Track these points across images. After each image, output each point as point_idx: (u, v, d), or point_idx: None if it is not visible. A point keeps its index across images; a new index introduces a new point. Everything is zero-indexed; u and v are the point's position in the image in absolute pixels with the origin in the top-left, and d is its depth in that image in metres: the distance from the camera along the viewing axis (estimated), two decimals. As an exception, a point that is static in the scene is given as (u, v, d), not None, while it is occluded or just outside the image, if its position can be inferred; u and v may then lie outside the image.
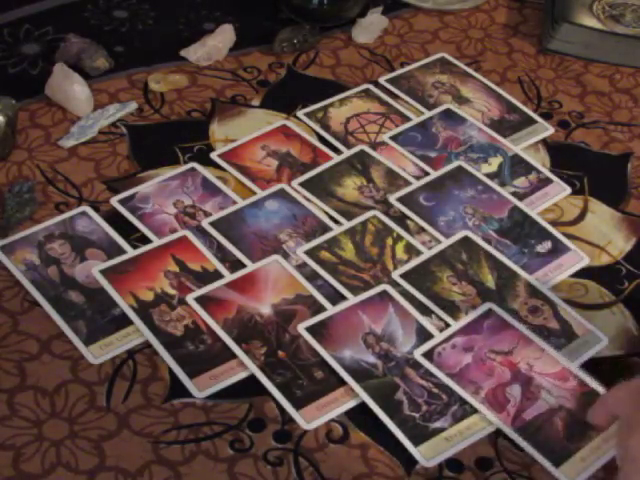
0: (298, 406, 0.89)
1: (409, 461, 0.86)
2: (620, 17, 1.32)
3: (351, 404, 0.90)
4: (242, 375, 0.91)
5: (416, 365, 0.92)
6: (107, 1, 1.33)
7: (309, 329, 0.93)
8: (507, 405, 0.89)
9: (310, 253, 1.02)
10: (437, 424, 0.88)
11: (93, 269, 0.98)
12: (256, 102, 1.20)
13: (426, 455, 0.86)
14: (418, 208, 1.08)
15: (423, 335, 0.95)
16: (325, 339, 0.93)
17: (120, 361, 0.92)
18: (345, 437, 0.88)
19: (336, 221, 1.06)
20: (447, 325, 0.97)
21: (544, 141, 1.19)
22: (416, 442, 0.87)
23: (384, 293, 0.98)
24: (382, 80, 1.24)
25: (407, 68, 1.27)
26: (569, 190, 1.12)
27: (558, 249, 1.05)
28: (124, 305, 0.95)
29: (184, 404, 0.89)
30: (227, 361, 0.92)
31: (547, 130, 1.20)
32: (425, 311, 0.98)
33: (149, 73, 1.22)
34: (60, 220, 1.03)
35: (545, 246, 1.05)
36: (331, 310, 0.95)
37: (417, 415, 0.88)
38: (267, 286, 0.98)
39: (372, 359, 0.92)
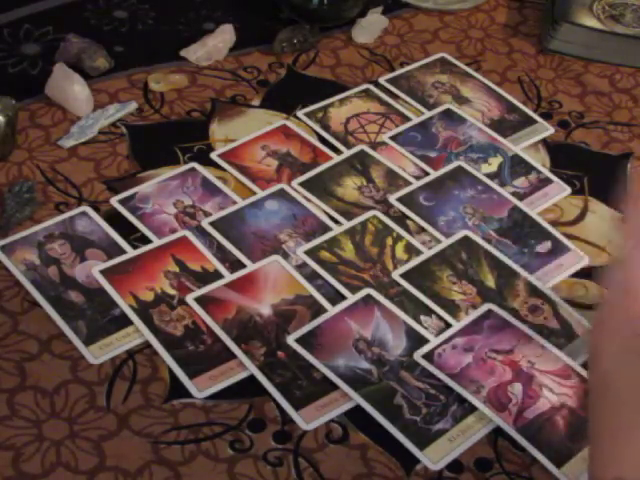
0: (298, 406, 0.89)
1: (409, 461, 0.86)
2: (620, 17, 1.31)
3: (350, 405, 0.89)
4: (242, 375, 0.91)
5: (410, 368, 0.92)
6: (107, 1, 1.33)
7: (299, 340, 0.93)
8: (509, 404, 0.89)
9: (310, 253, 1.02)
10: (439, 425, 0.88)
11: (93, 269, 0.98)
12: (256, 102, 1.20)
13: (433, 458, 0.86)
14: (418, 208, 1.08)
15: (413, 336, 0.95)
16: (316, 349, 0.93)
17: (120, 361, 0.92)
18: (345, 437, 0.88)
19: (336, 221, 1.06)
20: (447, 324, 0.97)
21: (544, 141, 1.19)
22: (421, 446, 0.87)
23: (368, 297, 0.98)
24: (382, 80, 1.24)
25: (407, 68, 1.27)
26: (569, 190, 1.12)
27: (558, 249, 1.05)
28: (124, 305, 0.95)
29: (184, 404, 0.89)
30: (227, 361, 0.92)
31: (547, 130, 1.20)
32: (425, 310, 0.98)
33: (149, 73, 1.22)
34: (60, 220, 1.03)
35: (545, 246, 1.05)
36: (318, 319, 0.95)
37: (418, 418, 0.88)
38: (267, 286, 0.98)
39: (366, 365, 0.92)
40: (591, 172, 1.15)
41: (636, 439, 0.59)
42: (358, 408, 0.89)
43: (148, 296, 0.96)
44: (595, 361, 0.63)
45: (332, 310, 0.96)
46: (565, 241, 1.06)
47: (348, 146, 1.15)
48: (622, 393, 0.60)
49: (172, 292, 0.97)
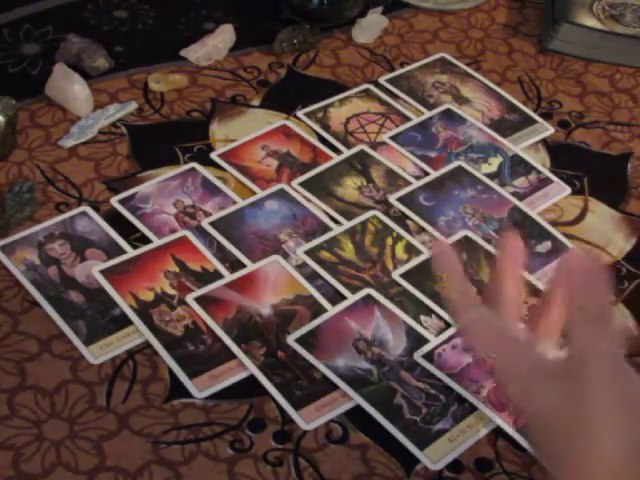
0: (298, 406, 0.89)
1: (409, 461, 0.86)
2: (620, 17, 1.32)
3: (350, 405, 0.89)
4: (242, 375, 0.91)
5: (410, 368, 0.92)
6: (107, 1, 1.33)
7: (299, 340, 0.93)
8: (509, 404, 0.89)
9: (310, 253, 1.02)
10: (439, 425, 0.88)
11: (93, 269, 0.98)
12: (256, 102, 1.20)
13: (433, 458, 0.86)
14: (418, 208, 1.08)
15: (413, 336, 0.95)
16: (316, 349, 0.93)
17: (120, 361, 0.92)
18: (345, 438, 0.88)
19: (336, 221, 1.06)
20: (447, 324, 0.97)
21: (544, 141, 1.19)
22: (421, 446, 0.87)
23: (368, 297, 0.98)
24: (382, 80, 1.24)
25: (407, 68, 1.27)
26: (569, 190, 1.13)
27: (558, 249, 1.05)
28: (124, 305, 0.95)
29: (184, 404, 0.89)
30: (227, 361, 0.92)
31: (547, 130, 1.20)
32: (425, 310, 0.98)
33: (149, 73, 1.22)
34: (60, 220, 1.03)
35: (545, 246, 1.05)
36: (318, 319, 0.95)
37: (418, 418, 0.88)
38: (267, 286, 0.98)
39: (366, 365, 0.92)
40: (591, 172, 1.15)
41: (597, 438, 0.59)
42: (358, 408, 0.89)
43: (148, 296, 0.96)
44: (523, 407, 0.64)
45: (332, 310, 0.96)
46: (565, 241, 1.06)
47: (348, 146, 1.15)
48: (557, 412, 0.60)
49: (172, 292, 0.97)
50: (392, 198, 1.08)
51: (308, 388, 0.90)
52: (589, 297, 0.61)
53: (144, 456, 0.85)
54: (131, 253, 1.00)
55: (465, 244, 1.04)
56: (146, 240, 1.02)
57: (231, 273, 0.99)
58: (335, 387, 0.90)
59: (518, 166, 1.14)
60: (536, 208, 1.10)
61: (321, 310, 0.96)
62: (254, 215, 1.05)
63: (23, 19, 1.28)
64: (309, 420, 0.88)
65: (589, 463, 0.58)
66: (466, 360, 0.93)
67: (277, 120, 1.17)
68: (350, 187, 1.10)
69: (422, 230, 1.06)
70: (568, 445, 0.59)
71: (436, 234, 1.05)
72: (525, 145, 1.17)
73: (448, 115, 1.20)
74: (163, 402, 0.89)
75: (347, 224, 1.05)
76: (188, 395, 0.89)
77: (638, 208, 1.12)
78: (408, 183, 1.11)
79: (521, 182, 1.12)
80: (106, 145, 1.13)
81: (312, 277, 1.00)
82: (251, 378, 0.91)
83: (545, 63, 1.31)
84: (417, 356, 0.93)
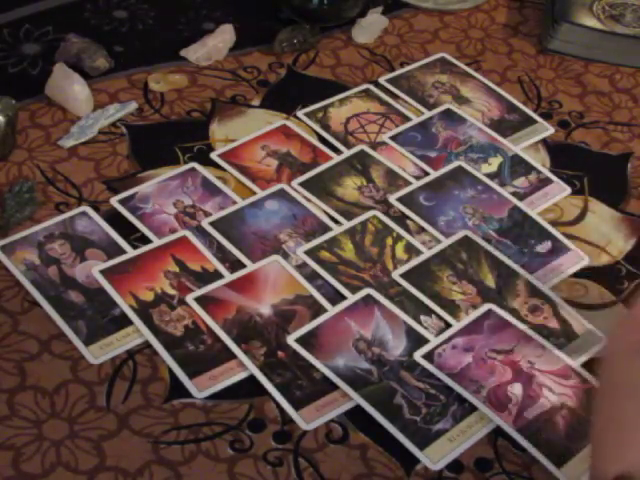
0: (298, 406, 0.89)
1: (409, 461, 0.86)
2: (620, 17, 1.32)
3: (350, 405, 0.89)
4: (242, 375, 0.91)
5: (410, 368, 0.92)
6: (107, 1, 1.33)
7: (299, 340, 0.93)
8: (509, 404, 0.89)
9: (310, 253, 1.02)
10: (439, 425, 0.88)
11: (93, 269, 0.98)
12: (256, 102, 1.20)
13: (433, 458, 0.86)
14: (418, 208, 1.08)
15: (413, 337, 0.95)
16: (316, 349, 0.93)
17: (120, 361, 0.92)
18: (345, 437, 0.88)
19: (336, 221, 1.06)
20: (447, 324, 0.97)
21: (544, 141, 1.19)
22: (421, 446, 0.87)
23: (368, 297, 0.98)
24: (382, 80, 1.24)
25: (407, 68, 1.27)
26: (569, 190, 1.13)
27: (558, 249, 1.05)
28: (124, 305, 0.95)
29: (184, 404, 0.89)
30: (227, 361, 0.92)
31: (547, 130, 1.20)
32: (425, 310, 0.98)
33: (149, 73, 1.22)
34: (60, 220, 1.03)
35: (545, 246, 1.05)
36: (318, 319, 0.95)
37: (418, 418, 0.88)
38: (267, 286, 0.98)
39: (366, 365, 0.92)
40: (591, 172, 1.15)
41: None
42: (358, 408, 0.89)
43: (148, 296, 0.96)
44: (604, 362, 0.66)
45: (332, 310, 0.96)
46: (565, 241, 1.06)
47: (348, 146, 1.15)
48: (627, 389, 0.62)
49: (172, 292, 0.97)
50: (392, 198, 1.08)
51: (308, 388, 0.90)
52: None
53: (144, 456, 0.85)
54: (131, 253, 1.00)
55: (465, 244, 1.04)
56: (146, 240, 1.02)
57: (231, 273, 0.99)
58: (335, 387, 0.90)
59: (518, 166, 1.14)
60: (536, 208, 1.10)
61: (321, 310, 0.96)
62: (254, 215, 1.05)
63: (23, 19, 1.28)
64: (309, 420, 0.88)
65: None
66: (466, 360, 0.93)
67: (277, 120, 1.17)
68: (350, 187, 1.10)
69: (422, 230, 1.06)
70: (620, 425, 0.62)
71: (436, 234, 1.05)
72: (525, 145, 1.17)
73: (448, 115, 1.20)
74: (163, 402, 0.89)
75: (347, 224, 1.05)
76: (188, 395, 0.89)
77: (638, 208, 1.12)
78: (408, 183, 1.11)
79: (521, 182, 1.12)
80: (106, 145, 1.13)
81: (312, 277, 1.00)
82: (251, 378, 0.91)
83: (545, 63, 1.31)
84: (417, 356, 0.93)
